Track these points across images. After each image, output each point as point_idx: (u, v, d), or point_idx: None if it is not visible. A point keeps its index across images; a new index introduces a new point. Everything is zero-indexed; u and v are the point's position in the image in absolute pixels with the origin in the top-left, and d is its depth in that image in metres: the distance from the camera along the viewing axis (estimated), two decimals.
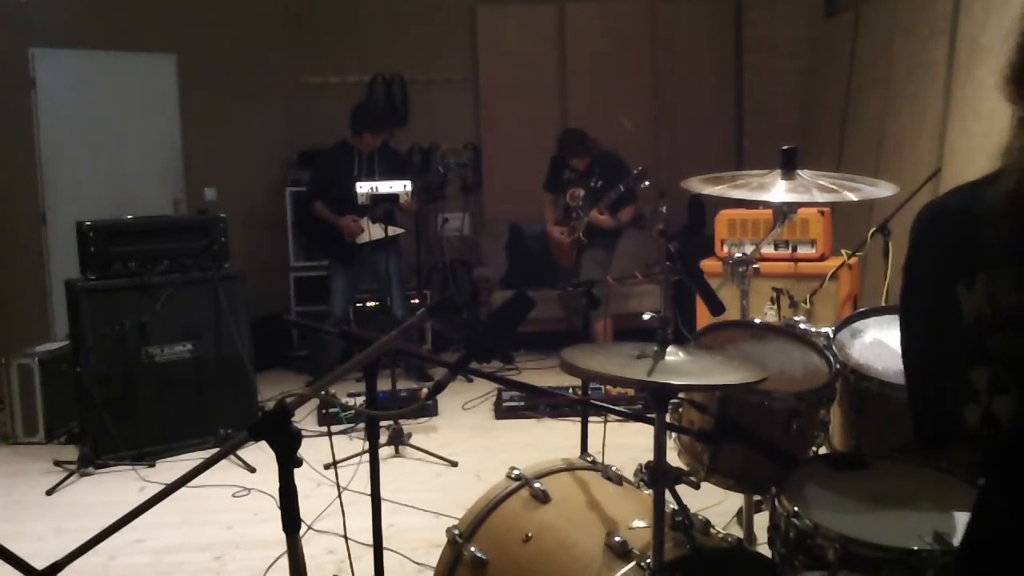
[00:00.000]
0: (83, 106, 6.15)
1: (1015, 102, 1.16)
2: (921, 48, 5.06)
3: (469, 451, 4.55)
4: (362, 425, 4.33)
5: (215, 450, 2.04)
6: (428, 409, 5.14)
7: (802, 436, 2.27)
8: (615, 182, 5.45)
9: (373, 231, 5.56)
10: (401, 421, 4.66)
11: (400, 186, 5.16)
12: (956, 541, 1.68)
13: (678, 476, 1.86)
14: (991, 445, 1.14)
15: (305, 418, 5.06)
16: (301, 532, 1.54)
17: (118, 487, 4.23)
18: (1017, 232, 1.07)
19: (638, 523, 1.94)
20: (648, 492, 1.87)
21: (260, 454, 4.15)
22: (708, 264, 4.25)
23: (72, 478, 4.30)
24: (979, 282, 1.09)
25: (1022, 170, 1.09)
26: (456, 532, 2.19)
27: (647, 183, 5.27)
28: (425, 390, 5.40)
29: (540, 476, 2.22)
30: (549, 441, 4.69)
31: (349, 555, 2.44)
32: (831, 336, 2.45)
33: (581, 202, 5.70)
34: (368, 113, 5.85)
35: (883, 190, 2.66)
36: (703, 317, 4.13)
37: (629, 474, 2.11)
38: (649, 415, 1.86)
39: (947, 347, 1.17)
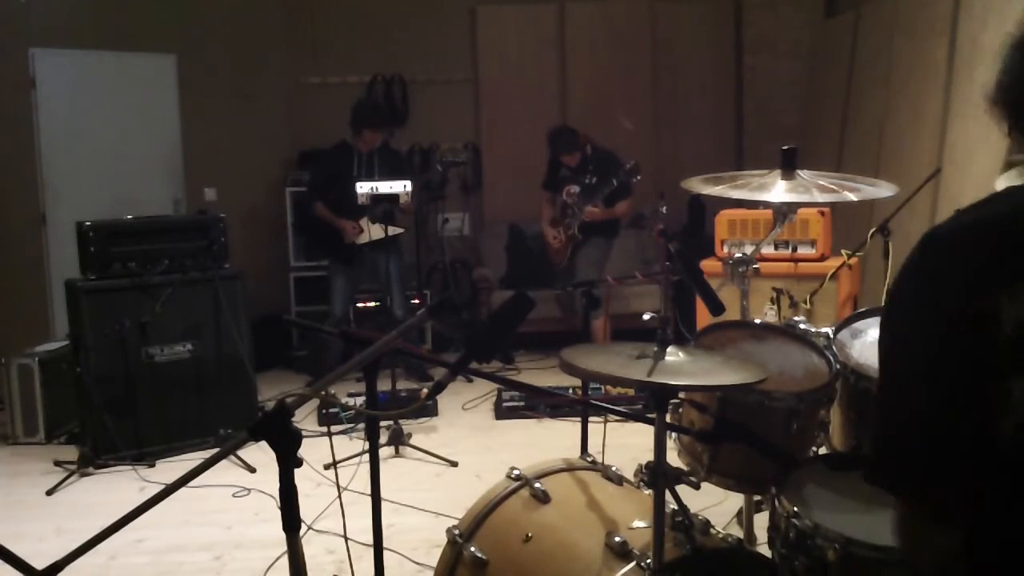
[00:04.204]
0: (83, 106, 6.15)
1: (1001, 122, 1.15)
2: (921, 48, 5.06)
3: (469, 451, 4.55)
4: (362, 425, 4.32)
5: (215, 450, 2.04)
6: (428, 409, 5.14)
7: (802, 436, 2.26)
8: (609, 177, 5.49)
9: (373, 231, 5.56)
10: (401, 421, 4.65)
11: (400, 186, 5.16)
12: None
13: (678, 476, 1.86)
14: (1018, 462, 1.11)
15: (305, 418, 5.06)
16: (301, 532, 1.54)
17: (118, 487, 4.23)
18: None
19: (638, 523, 1.94)
20: (648, 492, 1.87)
21: (260, 454, 4.15)
22: (708, 264, 4.25)
23: (72, 478, 4.30)
24: (1021, 288, 1.06)
25: None
26: (456, 532, 2.19)
27: (639, 177, 5.38)
28: (425, 390, 5.40)
29: (540, 476, 2.22)
30: (549, 441, 4.69)
31: (349, 555, 2.44)
32: (831, 336, 2.45)
33: (576, 198, 5.73)
34: (368, 110, 5.85)
35: (883, 190, 2.66)
36: (703, 317, 4.14)
37: (629, 474, 2.11)
38: (649, 415, 1.86)
39: (977, 364, 1.13)
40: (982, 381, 1.10)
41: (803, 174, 2.64)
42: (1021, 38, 1.15)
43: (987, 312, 1.07)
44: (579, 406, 4.06)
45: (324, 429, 4.80)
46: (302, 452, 1.49)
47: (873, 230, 3.52)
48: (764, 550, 2.08)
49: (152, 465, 4.46)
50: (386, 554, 2.36)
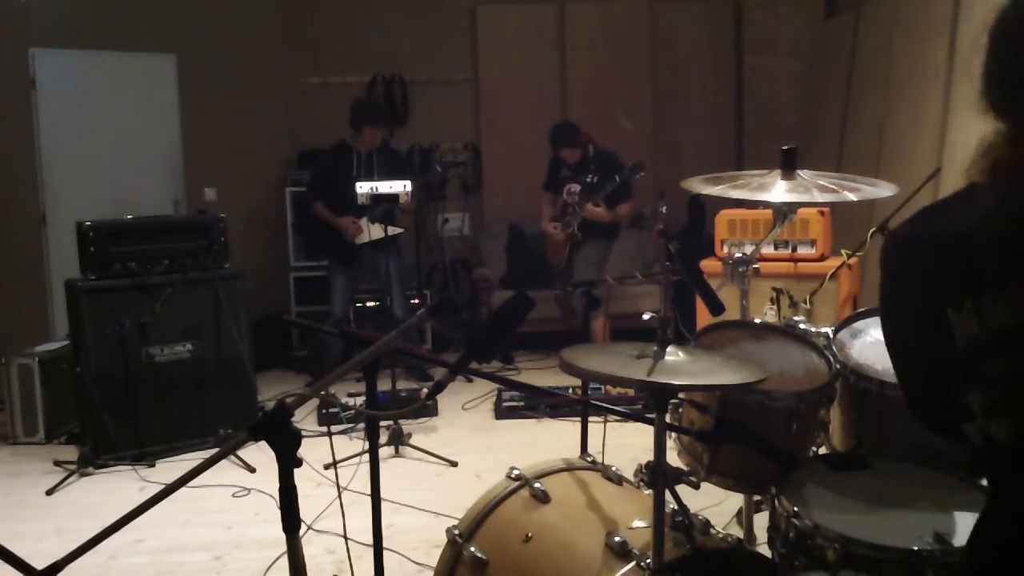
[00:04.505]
0: (83, 106, 6.15)
1: (987, 112, 1.16)
2: (921, 48, 5.06)
3: (469, 451, 4.55)
4: (362, 425, 4.32)
5: (215, 450, 2.04)
6: (428, 409, 5.14)
7: (802, 436, 2.27)
8: (612, 175, 5.47)
9: (373, 231, 5.56)
10: (401, 421, 4.65)
11: (400, 186, 5.16)
12: (956, 541, 1.68)
13: (678, 476, 1.86)
14: (991, 465, 1.13)
15: (305, 418, 5.06)
16: (301, 532, 1.54)
17: (118, 487, 4.23)
18: (1002, 252, 1.05)
19: (638, 523, 1.94)
20: (648, 492, 1.87)
21: (260, 454, 4.15)
22: (708, 264, 4.25)
23: (72, 478, 4.30)
24: (966, 306, 1.07)
25: (1000, 187, 1.07)
26: (456, 532, 2.19)
27: (642, 174, 5.34)
28: (425, 390, 5.40)
29: (540, 476, 2.22)
30: (549, 441, 4.69)
31: (349, 555, 2.44)
32: (831, 336, 2.45)
33: (577, 197, 5.72)
34: (368, 107, 5.86)
35: (883, 190, 2.66)
36: (703, 317, 4.14)
37: (629, 474, 2.11)
38: (649, 415, 1.86)
39: (942, 372, 1.15)
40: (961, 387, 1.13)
41: (803, 174, 2.64)
42: (992, 27, 1.16)
43: (942, 326, 1.11)
44: (579, 406, 4.06)
45: (324, 429, 4.80)
46: (302, 452, 1.49)
47: (873, 230, 3.51)
48: (764, 550, 2.08)
49: (152, 465, 4.46)
50: (386, 554, 2.36)
